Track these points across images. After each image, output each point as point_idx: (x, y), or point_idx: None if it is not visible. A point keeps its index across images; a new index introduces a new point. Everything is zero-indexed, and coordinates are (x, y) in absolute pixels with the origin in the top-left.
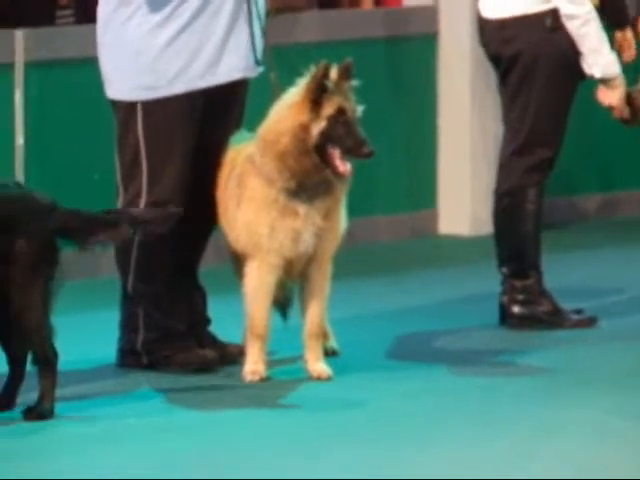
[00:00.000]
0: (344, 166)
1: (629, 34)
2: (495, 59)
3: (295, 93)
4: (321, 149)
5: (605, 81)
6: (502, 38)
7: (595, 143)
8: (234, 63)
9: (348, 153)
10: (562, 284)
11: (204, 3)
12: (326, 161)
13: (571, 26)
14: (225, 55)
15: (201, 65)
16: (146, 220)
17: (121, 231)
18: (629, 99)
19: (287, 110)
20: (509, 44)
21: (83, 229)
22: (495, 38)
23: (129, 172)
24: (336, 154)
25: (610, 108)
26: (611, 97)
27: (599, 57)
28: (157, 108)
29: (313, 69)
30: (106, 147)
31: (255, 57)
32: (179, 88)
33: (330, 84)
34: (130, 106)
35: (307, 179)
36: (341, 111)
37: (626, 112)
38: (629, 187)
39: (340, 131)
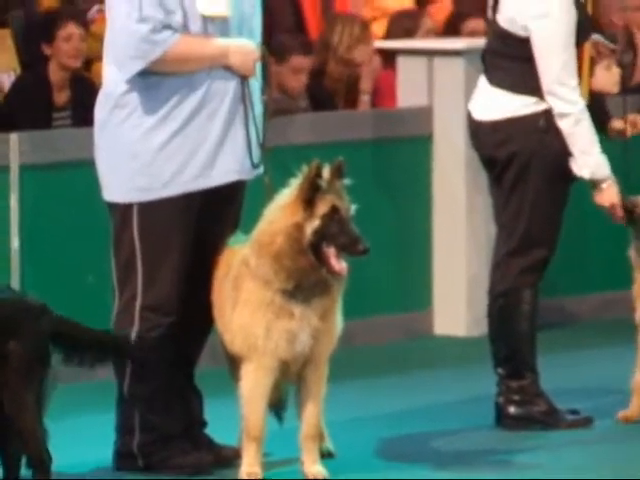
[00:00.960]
0: (340, 265)
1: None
2: (489, 162)
3: (288, 194)
4: (316, 248)
5: (595, 183)
6: (496, 141)
7: (582, 244)
8: (229, 166)
9: (344, 251)
10: (557, 385)
11: (199, 106)
12: (321, 260)
13: (563, 125)
14: (220, 157)
15: (196, 167)
16: (139, 348)
17: (113, 355)
18: (626, 209)
19: (280, 211)
20: (503, 146)
21: (75, 338)
22: (488, 141)
23: (125, 274)
24: (331, 253)
25: (611, 208)
26: (607, 198)
27: (589, 158)
28: (152, 210)
29: (305, 169)
30: (101, 250)
31: (251, 160)
32: (174, 190)
33: (323, 183)
34: (126, 208)
35: (304, 279)
36: (335, 210)
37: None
38: (619, 288)
39: (334, 229)
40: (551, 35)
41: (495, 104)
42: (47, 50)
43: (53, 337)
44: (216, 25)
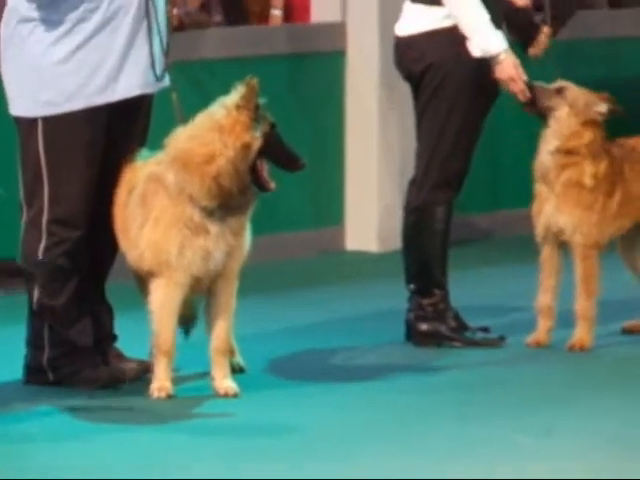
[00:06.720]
0: (273, 182)
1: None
2: (409, 78)
3: (220, 113)
4: (253, 167)
5: (491, 59)
6: (413, 55)
7: (493, 161)
8: (133, 79)
9: (284, 167)
10: (467, 302)
11: (103, 20)
12: (255, 178)
13: (449, 4)
14: (124, 71)
15: (100, 81)
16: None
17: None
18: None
19: (217, 132)
20: (420, 60)
21: None
22: (407, 56)
23: (31, 189)
24: (265, 170)
25: (510, 81)
26: (504, 70)
27: (477, 35)
28: (57, 124)
29: (242, 87)
30: (12, 162)
31: (154, 73)
32: (78, 104)
33: (262, 101)
34: (31, 122)
35: (232, 199)
36: (273, 127)
37: (527, 92)
38: (529, 205)
39: (275, 147)
40: None
41: (414, 19)
42: None
43: None
44: None
